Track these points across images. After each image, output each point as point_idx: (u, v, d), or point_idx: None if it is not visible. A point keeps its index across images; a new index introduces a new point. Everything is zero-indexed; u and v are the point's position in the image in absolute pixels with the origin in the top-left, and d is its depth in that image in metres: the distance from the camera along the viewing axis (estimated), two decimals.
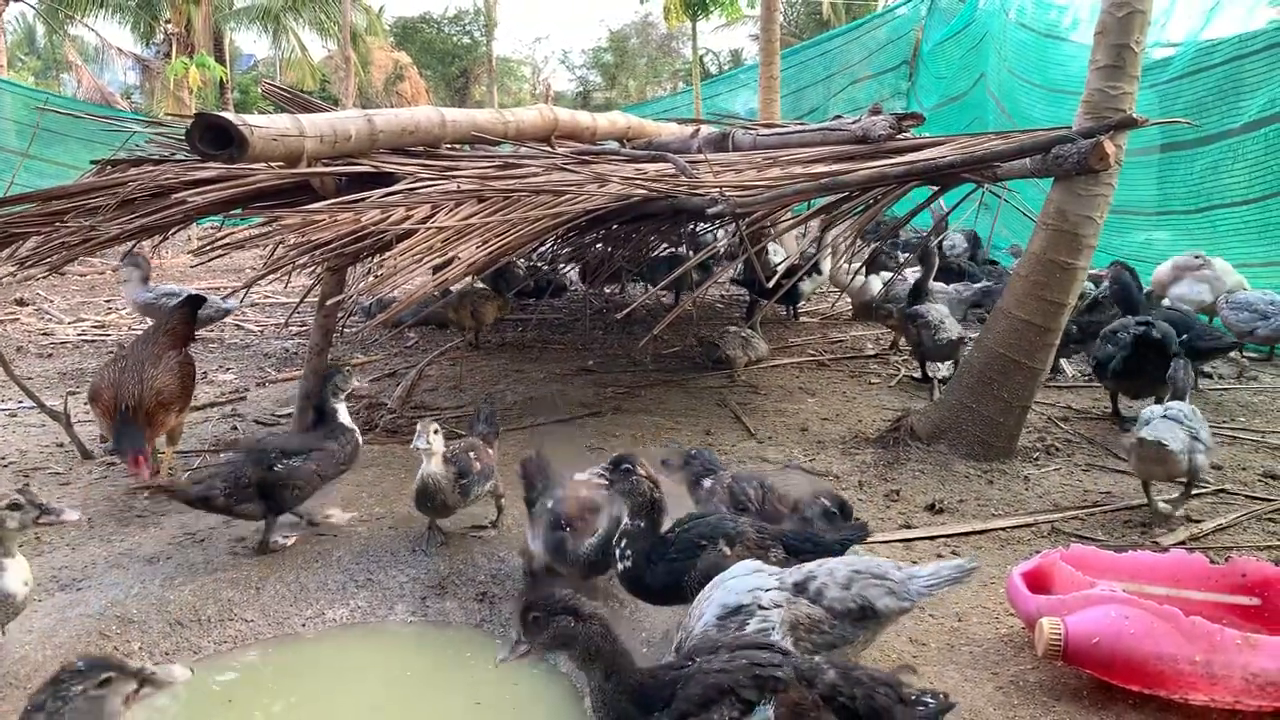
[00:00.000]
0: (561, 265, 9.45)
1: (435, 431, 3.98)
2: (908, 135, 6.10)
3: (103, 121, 7.80)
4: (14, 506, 3.06)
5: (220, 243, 4.43)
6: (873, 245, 8.82)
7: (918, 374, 6.91)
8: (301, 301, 6.97)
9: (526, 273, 9.29)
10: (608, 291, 10.79)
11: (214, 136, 4.43)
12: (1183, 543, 4.09)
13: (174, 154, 5.65)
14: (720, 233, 9.51)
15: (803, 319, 9.39)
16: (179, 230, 5.78)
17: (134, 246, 5.98)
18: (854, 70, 19.61)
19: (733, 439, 5.57)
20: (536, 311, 9.85)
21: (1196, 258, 7.76)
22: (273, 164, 4.93)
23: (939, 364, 6.80)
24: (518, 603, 2.52)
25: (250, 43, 39.86)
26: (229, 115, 4.32)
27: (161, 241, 6.00)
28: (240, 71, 40.74)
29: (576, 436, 5.65)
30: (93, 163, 5.61)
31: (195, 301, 5.41)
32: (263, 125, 4.48)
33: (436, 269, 4.29)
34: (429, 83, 43.22)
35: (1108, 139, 4.63)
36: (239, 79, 38.43)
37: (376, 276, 4.32)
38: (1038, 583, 3.28)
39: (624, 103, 42.48)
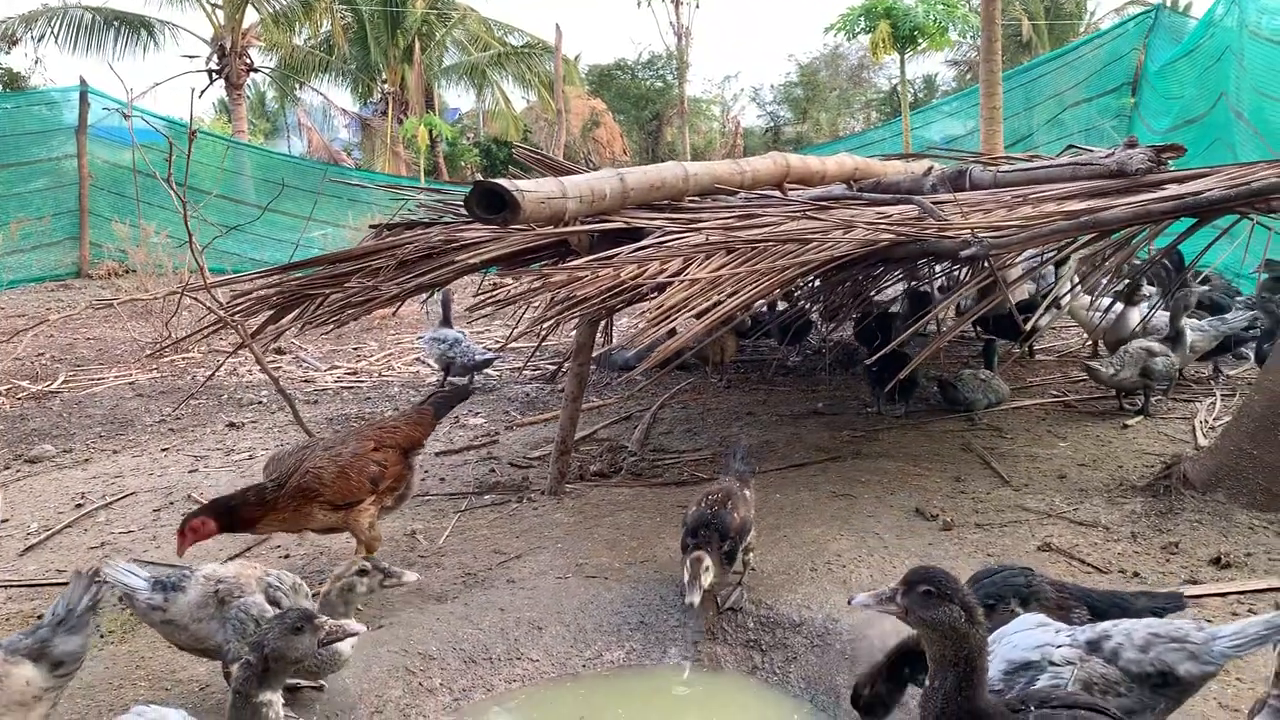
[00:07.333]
0: (808, 307, 9.34)
1: (707, 569, 3.73)
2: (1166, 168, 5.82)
3: (389, 190, 8.42)
4: (362, 572, 3.39)
5: (494, 298, 4.72)
6: (1131, 278, 8.21)
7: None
8: (538, 347, 7.29)
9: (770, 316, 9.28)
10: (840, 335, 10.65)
11: (488, 202, 4.75)
12: None
13: (442, 216, 6.08)
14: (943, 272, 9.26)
15: (1039, 357, 9.04)
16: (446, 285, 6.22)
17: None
18: (1064, 96, 18.83)
19: (985, 486, 5.42)
20: (773, 354, 9.76)
21: None
22: (534, 224, 5.22)
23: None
24: (914, 569, 2.37)
25: (455, 97, 42.08)
26: (504, 182, 4.61)
27: (429, 296, 6.46)
28: (446, 125, 43.13)
29: (819, 482, 5.64)
30: (371, 227, 6.13)
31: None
32: (532, 190, 4.76)
33: (698, 315, 4.43)
34: (622, 127, 44.38)
35: None
36: (445, 132, 40.70)
37: (640, 327, 4.51)
38: None
39: (816, 137, 42.24)
